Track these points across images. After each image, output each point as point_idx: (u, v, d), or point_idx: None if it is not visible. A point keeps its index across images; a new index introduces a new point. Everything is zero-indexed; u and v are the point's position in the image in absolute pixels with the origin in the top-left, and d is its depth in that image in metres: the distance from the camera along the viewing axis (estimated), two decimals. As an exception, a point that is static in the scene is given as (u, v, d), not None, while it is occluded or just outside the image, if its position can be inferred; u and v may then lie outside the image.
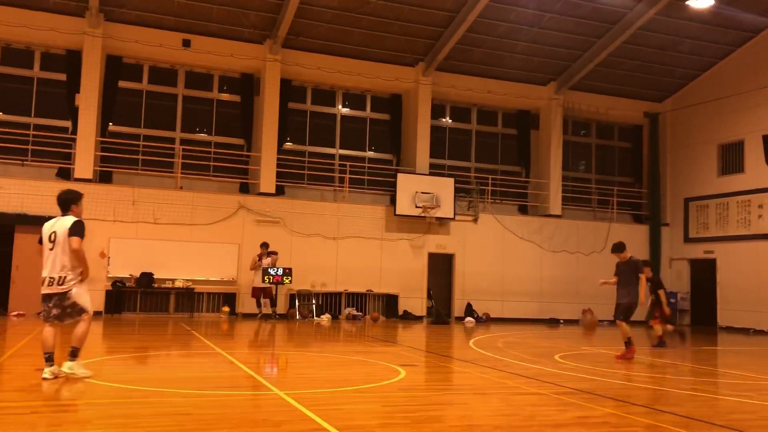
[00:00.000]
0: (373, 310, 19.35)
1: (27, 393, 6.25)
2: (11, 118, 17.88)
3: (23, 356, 8.87)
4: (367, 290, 19.34)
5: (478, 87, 21.75)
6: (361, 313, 19.06)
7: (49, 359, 6.86)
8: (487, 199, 21.40)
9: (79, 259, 6.90)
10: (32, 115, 18.04)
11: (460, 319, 19.99)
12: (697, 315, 21.91)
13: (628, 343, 10.42)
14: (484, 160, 22.76)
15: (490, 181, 21.70)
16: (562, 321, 20.75)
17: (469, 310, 20.15)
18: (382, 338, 13.55)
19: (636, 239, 22.35)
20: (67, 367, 6.85)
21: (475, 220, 20.59)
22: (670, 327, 13.72)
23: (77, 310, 6.97)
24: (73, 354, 6.90)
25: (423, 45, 20.45)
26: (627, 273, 10.58)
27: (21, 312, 15.80)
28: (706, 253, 21.67)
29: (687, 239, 22.45)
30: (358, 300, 19.43)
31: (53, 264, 6.89)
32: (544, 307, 21.07)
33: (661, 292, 13.20)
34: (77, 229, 6.92)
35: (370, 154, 21.55)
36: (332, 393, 6.77)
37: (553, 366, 9.43)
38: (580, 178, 23.90)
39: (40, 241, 7.14)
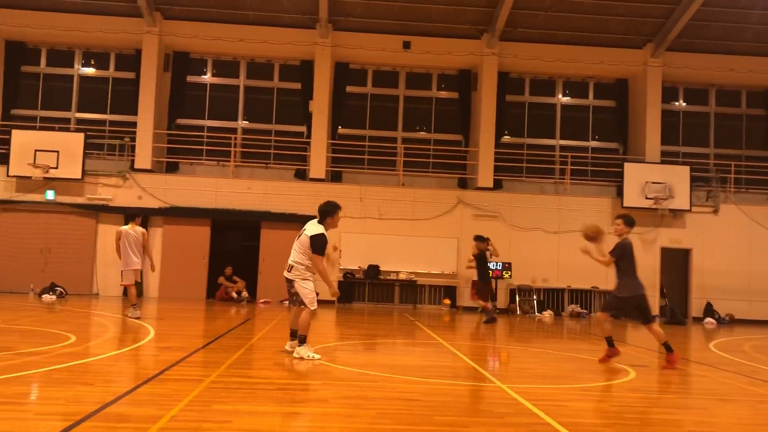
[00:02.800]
0: (599, 308, 18.47)
1: (273, 371, 6.92)
2: (256, 125, 19.95)
3: (270, 339, 9.84)
4: (592, 287, 18.52)
5: (717, 65, 19.77)
6: (585, 311, 18.32)
7: (292, 335, 7.96)
8: (730, 187, 19.36)
9: (321, 275, 7.70)
10: (273, 122, 19.97)
11: (699, 320, 18.34)
12: None
13: (667, 348, 8.33)
14: (726, 144, 20.64)
15: (732, 168, 19.60)
16: (825, 326, 18.11)
17: (709, 310, 18.41)
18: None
19: None
20: (295, 351, 7.67)
21: (716, 212, 18.77)
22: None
23: (300, 300, 7.73)
24: (300, 340, 7.68)
25: (651, 25, 19.08)
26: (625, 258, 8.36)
27: (267, 300, 17.56)
28: None
29: None
30: (582, 297, 18.70)
31: (292, 253, 7.78)
32: (802, 309, 18.56)
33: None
34: (317, 246, 7.58)
35: (594, 143, 20.61)
36: (556, 389, 6.58)
37: (815, 375, 8.25)
38: None
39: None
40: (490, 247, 17.55)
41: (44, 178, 17.34)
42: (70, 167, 17.46)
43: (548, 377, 7.40)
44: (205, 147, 19.33)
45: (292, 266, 7.71)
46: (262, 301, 17.52)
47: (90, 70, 19.89)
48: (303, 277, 7.68)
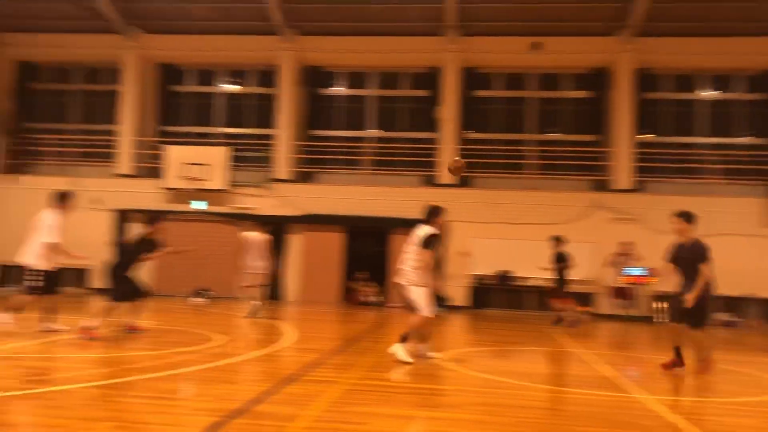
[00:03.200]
0: (753, 317, 17.09)
1: (407, 375, 7.02)
2: (386, 134, 20.32)
3: (402, 343, 9.98)
4: (745, 294, 17.16)
5: None
6: (738, 319, 17.01)
7: (418, 340, 8.08)
8: None
9: (424, 268, 7.81)
10: (402, 130, 20.25)
11: None
12: None
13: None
14: None
15: None
16: None
17: None
18: (766, 348, 11.90)
19: None
20: (393, 348, 7.77)
21: None
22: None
23: (413, 306, 7.83)
24: (401, 339, 7.77)
25: (808, 8, 17.44)
26: (688, 261, 7.74)
27: (399, 304, 17.80)
28: None
29: None
30: (733, 304, 17.37)
31: (404, 259, 8.02)
32: None
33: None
34: (427, 242, 7.87)
35: (743, 139, 19.11)
36: (704, 402, 6.18)
37: None
38: None
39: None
40: (630, 252, 16.81)
41: (194, 189, 18.64)
42: (216, 179, 18.67)
43: (694, 389, 6.96)
44: (338, 156, 19.94)
45: (403, 271, 7.93)
46: (394, 305, 17.80)
47: (233, 87, 21.15)
48: (413, 282, 7.80)
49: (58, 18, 19.71)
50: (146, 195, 19.02)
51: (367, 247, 19.47)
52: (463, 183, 18.96)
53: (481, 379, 6.92)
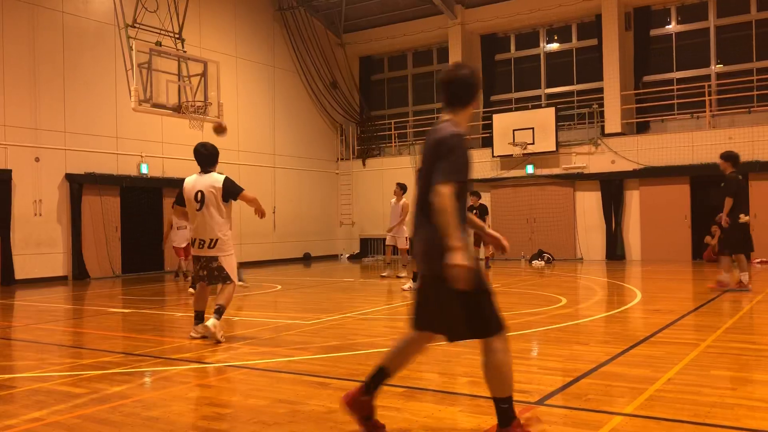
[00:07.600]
0: None
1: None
2: (732, 68, 17.94)
3: (772, 302, 8.81)
4: None
5: None
6: None
7: None
8: None
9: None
10: (753, 60, 17.65)
11: None
12: None
13: None
14: None
15: None
16: None
17: None
18: None
19: None
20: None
21: None
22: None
23: None
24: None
25: None
26: None
27: (763, 259, 15.72)
28: None
29: None
30: None
31: None
32: None
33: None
34: None
35: None
36: None
37: None
38: None
39: None
40: None
41: (523, 154, 18.83)
42: (544, 141, 18.59)
43: None
44: (675, 101, 18.26)
45: None
46: (757, 261, 15.75)
47: (554, 46, 20.72)
48: None
49: (389, 11, 21.56)
50: (479, 165, 19.77)
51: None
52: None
53: None
